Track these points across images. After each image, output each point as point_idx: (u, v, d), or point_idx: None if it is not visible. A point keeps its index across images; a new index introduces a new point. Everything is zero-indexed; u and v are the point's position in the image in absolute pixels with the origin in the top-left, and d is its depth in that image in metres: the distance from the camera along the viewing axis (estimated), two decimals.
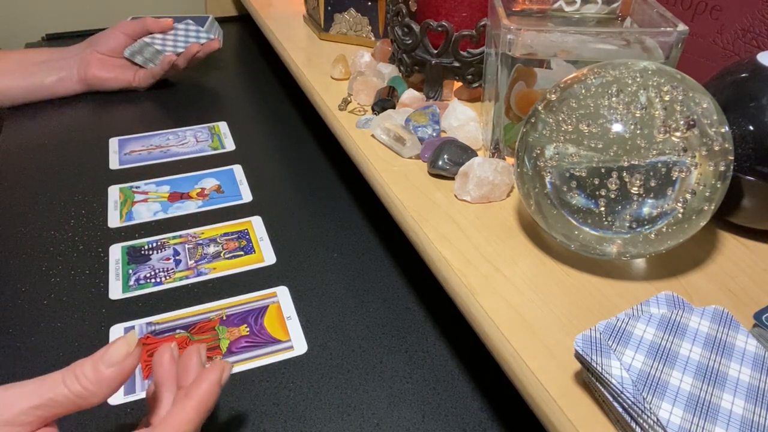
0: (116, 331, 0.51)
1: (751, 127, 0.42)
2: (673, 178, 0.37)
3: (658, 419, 0.30)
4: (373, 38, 0.79)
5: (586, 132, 0.38)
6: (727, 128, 0.38)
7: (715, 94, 0.41)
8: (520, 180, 0.43)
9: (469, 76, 0.62)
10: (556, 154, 0.39)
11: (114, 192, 0.68)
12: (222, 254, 0.59)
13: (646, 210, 0.38)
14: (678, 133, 0.37)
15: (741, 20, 0.54)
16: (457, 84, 0.66)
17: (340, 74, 0.70)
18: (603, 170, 0.38)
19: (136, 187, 0.69)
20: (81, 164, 0.72)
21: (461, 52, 0.61)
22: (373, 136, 0.60)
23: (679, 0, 0.59)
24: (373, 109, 0.64)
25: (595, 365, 0.32)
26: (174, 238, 0.61)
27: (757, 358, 0.34)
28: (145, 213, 0.65)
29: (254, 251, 0.60)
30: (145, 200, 0.67)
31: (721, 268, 0.44)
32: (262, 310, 0.53)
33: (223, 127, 0.81)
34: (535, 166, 0.41)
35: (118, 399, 0.45)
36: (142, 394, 0.46)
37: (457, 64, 0.62)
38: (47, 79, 0.83)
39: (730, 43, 0.55)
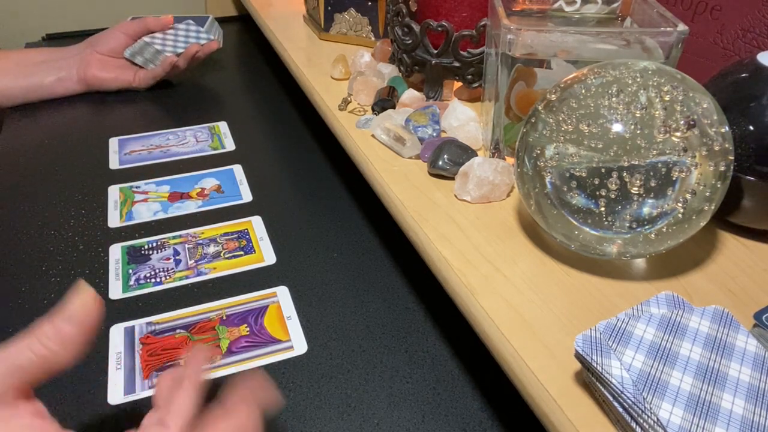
0: (116, 331, 0.51)
1: (751, 127, 0.42)
2: (673, 178, 0.37)
3: (658, 419, 0.30)
4: (373, 38, 0.79)
5: (586, 132, 0.38)
6: (727, 128, 0.38)
7: (715, 94, 0.41)
8: (520, 180, 0.43)
9: (469, 76, 0.62)
10: (556, 154, 0.39)
11: (114, 192, 0.68)
12: (222, 254, 0.59)
13: (646, 210, 0.38)
14: (678, 133, 0.37)
15: (741, 20, 0.54)
16: (457, 84, 0.66)
17: (340, 74, 0.70)
18: (603, 170, 0.38)
19: (136, 187, 0.69)
20: (81, 164, 0.72)
21: (461, 52, 0.61)
22: (373, 136, 0.60)
23: (679, 0, 0.59)
24: (373, 109, 0.64)
25: (595, 365, 0.32)
26: (174, 238, 0.61)
27: (757, 358, 0.34)
28: (145, 213, 0.65)
29: (254, 251, 0.60)
30: (145, 200, 0.67)
31: (721, 268, 0.44)
32: (262, 310, 0.53)
33: (223, 127, 0.81)
34: (535, 166, 0.41)
35: (118, 399, 0.45)
36: (143, 394, 0.46)
37: (457, 64, 0.62)
38: (47, 79, 0.83)
39: (730, 43, 0.55)
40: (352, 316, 0.53)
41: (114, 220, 0.63)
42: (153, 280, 0.56)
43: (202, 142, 0.78)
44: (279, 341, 0.50)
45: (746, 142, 0.42)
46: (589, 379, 0.34)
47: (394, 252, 0.61)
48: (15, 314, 0.52)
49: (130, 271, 0.57)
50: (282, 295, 0.55)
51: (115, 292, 0.55)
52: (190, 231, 0.62)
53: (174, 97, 0.88)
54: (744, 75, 0.44)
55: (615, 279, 0.43)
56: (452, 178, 0.53)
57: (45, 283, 0.55)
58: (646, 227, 0.38)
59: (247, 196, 0.68)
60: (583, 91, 0.39)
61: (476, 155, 0.53)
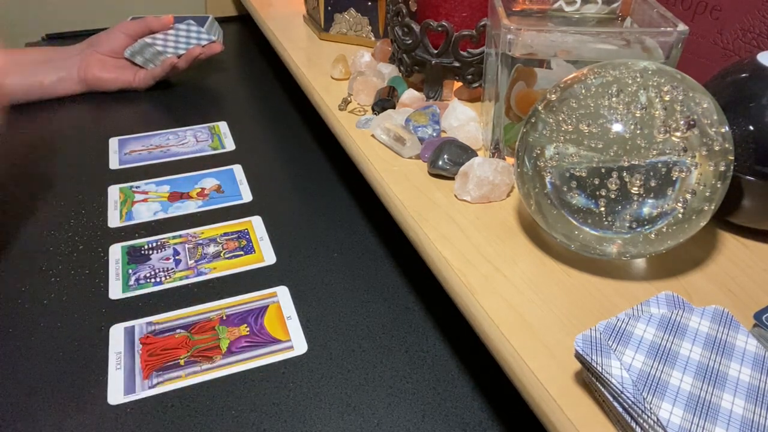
0: (116, 331, 0.51)
1: (751, 127, 0.42)
2: (673, 178, 0.37)
3: (658, 419, 0.30)
4: (373, 38, 0.79)
5: (586, 132, 0.38)
6: (727, 128, 0.38)
7: (715, 94, 0.41)
8: (520, 180, 0.43)
9: (469, 76, 0.62)
10: (556, 154, 0.39)
11: (114, 192, 0.68)
12: (222, 254, 0.59)
13: (646, 210, 0.38)
14: (678, 133, 0.37)
15: (741, 20, 0.54)
16: (457, 84, 0.66)
17: (340, 74, 0.70)
18: (603, 170, 0.38)
19: (136, 187, 0.69)
20: (81, 164, 0.72)
21: (461, 52, 0.61)
22: (373, 136, 0.60)
23: (679, 0, 0.59)
24: (373, 109, 0.64)
25: (595, 365, 0.32)
26: (174, 237, 0.61)
27: (757, 358, 0.34)
28: (145, 213, 0.65)
29: (254, 251, 0.60)
30: (145, 200, 0.67)
31: (721, 268, 0.44)
32: (262, 310, 0.53)
33: (223, 127, 0.81)
34: (535, 166, 0.41)
35: (118, 399, 0.45)
36: (143, 394, 0.46)
37: (457, 64, 0.62)
38: (47, 79, 0.83)
39: (730, 43, 0.55)
40: (352, 316, 0.53)
41: (114, 220, 0.63)
42: (153, 280, 0.56)
43: (202, 142, 0.78)
44: (279, 341, 0.50)
45: (746, 142, 0.42)
46: (589, 379, 0.34)
47: (394, 252, 0.61)
48: (15, 314, 0.52)
49: (130, 271, 0.57)
50: (282, 295, 0.55)
51: (115, 292, 0.55)
52: (190, 231, 0.62)
53: (174, 97, 0.88)
54: (744, 75, 0.44)
55: (615, 279, 0.43)
56: (452, 178, 0.53)
57: (45, 283, 0.55)
58: (646, 227, 0.38)
59: (247, 196, 0.68)
60: (583, 91, 0.39)
61: (476, 155, 0.53)
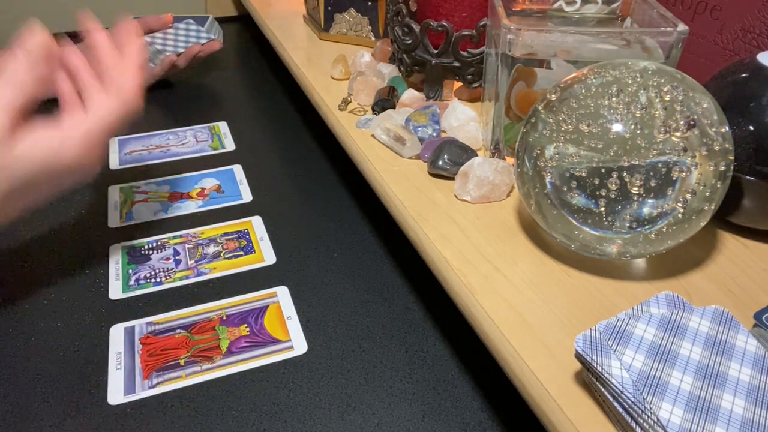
0: (116, 331, 0.51)
1: (751, 127, 0.42)
2: (673, 178, 0.37)
3: (658, 419, 0.30)
4: (373, 38, 0.79)
5: (586, 132, 0.38)
6: (727, 128, 0.38)
7: (715, 94, 0.41)
8: (520, 180, 0.43)
9: (469, 76, 0.62)
10: (556, 154, 0.39)
11: (114, 192, 0.68)
12: (222, 254, 0.59)
13: (646, 210, 0.38)
14: (678, 133, 0.37)
15: (741, 20, 0.54)
16: (457, 84, 0.66)
17: (340, 74, 0.70)
18: (603, 170, 0.38)
19: (137, 187, 0.69)
20: None
21: (461, 52, 0.61)
22: (373, 136, 0.60)
23: (679, 0, 0.59)
24: (373, 109, 0.64)
25: (595, 365, 0.32)
26: (174, 238, 0.61)
27: (757, 358, 0.34)
28: (145, 213, 0.65)
29: (254, 251, 0.60)
30: (145, 200, 0.67)
31: (721, 268, 0.44)
32: (262, 310, 0.53)
33: (223, 127, 0.81)
34: (535, 166, 0.41)
35: (118, 399, 0.45)
36: (143, 394, 0.46)
37: (457, 64, 0.62)
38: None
39: (730, 43, 0.55)
40: (352, 316, 0.53)
41: (114, 220, 0.63)
42: (153, 280, 0.56)
43: (202, 142, 0.78)
44: (279, 341, 0.50)
45: (746, 142, 0.42)
46: (589, 379, 0.34)
47: (394, 252, 0.61)
48: (15, 314, 0.52)
49: (130, 271, 0.57)
50: (282, 295, 0.55)
51: (115, 292, 0.55)
52: (190, 231, 0.62)
53: (174, 97, 0.88)
54: (744, 75, 0.44)
55: (615, 279, 0.43)
56: (452, 178, 0.53)
57: (45, 283, 0.55)
58: (646, 227, 0.38)
59: (247, 196, 0.68)
60: (583, 91, 0.39)
61: (476, 155, 0.53)
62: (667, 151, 0.37)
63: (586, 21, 0.54)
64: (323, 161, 0.75)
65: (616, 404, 0.32)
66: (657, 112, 0.37)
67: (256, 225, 0.63)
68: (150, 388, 0.46)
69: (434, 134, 0.58)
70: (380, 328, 0.52)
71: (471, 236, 0.47)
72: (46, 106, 0.46)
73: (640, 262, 0.44)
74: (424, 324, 0.53)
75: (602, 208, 0.38)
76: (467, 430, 0.44)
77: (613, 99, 0.38)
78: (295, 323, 0.52)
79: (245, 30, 1.12)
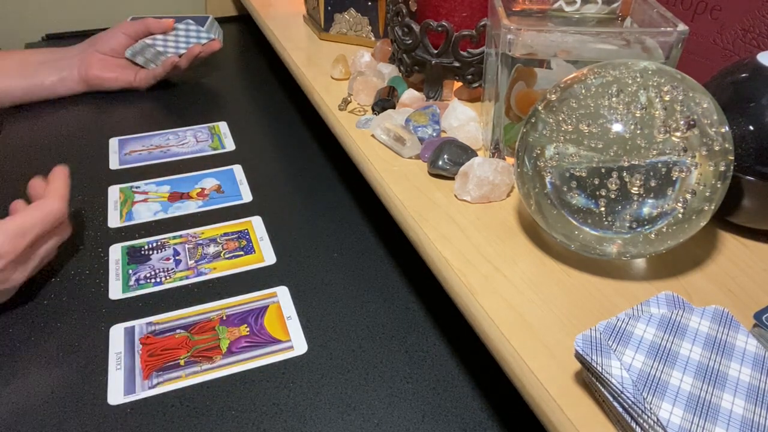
0: (116, 331, 0.51)
1: (751, 127, 0.42)
2: (673, 178, 0.37)
3: (658, 419, 0.30)
4: (373, 38, 0.79)
5: (586, 132, 0.38)
6: (727, 128, 0.38)
7: (715, 94, 0.41)
8: (520, 180, 0.43)
9: (469, 76, 0.62)
10: (556, 154, 0.39)
11: (114, 192, 0.68)
12: (222, 254, 0.59)
13: (646, 210, 0.38)
14: (678, 133, 0.37)
15: (741, 20, 0.54)
16: (457, 84, 0.66)
17: (340, 74, 0.70)
18: (603, 170, 0.38)
19: (136, 187, 0.69)
20: (81, 164, 0.72)
21: (461, 52, 0.61)
22: (373, 136, 0.60)
23: (679, 0, 0.59)
24: (373, 109, 0.64)
25: (595, 365, 0.32)
26: (174, 238, 0.61)
27: (757, 358, 0.34)
28: (145, 213, 0.65)
29: (254, 251, 0.60)
30: (145, 200, 0.67)
31: (721, 268, 0.44)
32: (262, 310, 0.53)
33: (223, 127, 0.81)
34: (535, 166, 0.41)
35: (118, 399, 0.45)
36: (143, 394, 0.46)
37: (457, 64, 0.62)
38: (48, 79, 0.83)
39: (730, 43, 0.55)
40: (352, 316, 0.53)
41: (114, 220, 0.63)
42: (153, 281, 0.56)
43: (202, 142, 0.78)
44: (279, 341, 0.50)
45: (746, 142, 0.42)
46: (589, 379, 0.34)
47: (394, 252, 0.61)
48: (15, 314, 0.52)
49: (130, 271, 0.57)
50: (282, 295, 0.55)
51: (115, 292, 0.55)
52: (190, 231, 0.62)
53: (174, 97, 0.88)
54: (744, 75, 0.44)
55: (615, 279, 0.43)
56: (452, 178, 0.53)
57: (45, 283, 0.55)
58: (646, 227, 0.38)
59: (247, 196, 0.68)
60: (583, 91, 0.39)
61: (476, 155, 0.53)
62: (667, 151, 0.37)
63: (586, 21, 0.54)
64: (323, 161, 0.75)
65: (616, 404, 0.32)
66: (657, 112, 0.37)
67: (256, 225, 0.63)
68: (150, 388, 0.46)
69: (434, 134, 0.58)
70: (380, 328, 0.52)
71: (471, 236, 0.47)
72: None
73: (640, 262, 0.44)
74: (424, 324, 0.53)
75: (602, 208, 0.38)
76: (467, 430, 0.44)
77: (613, 99, 0.38)
78: (295, 323, 0.52)
79: (245, 30, 1.12)
